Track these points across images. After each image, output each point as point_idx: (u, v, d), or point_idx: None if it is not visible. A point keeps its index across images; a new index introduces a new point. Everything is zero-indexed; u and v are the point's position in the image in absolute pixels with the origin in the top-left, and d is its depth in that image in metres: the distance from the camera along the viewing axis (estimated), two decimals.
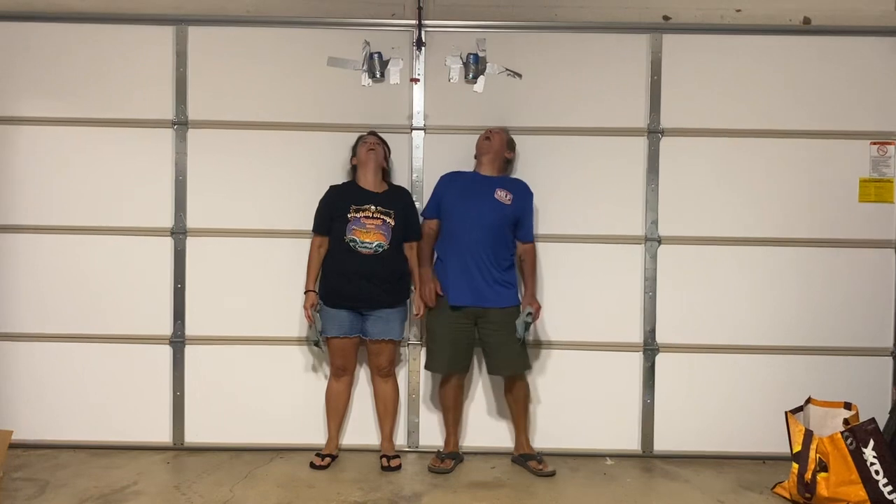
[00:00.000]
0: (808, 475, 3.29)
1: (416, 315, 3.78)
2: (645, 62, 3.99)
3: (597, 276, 3.97)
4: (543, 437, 3.95)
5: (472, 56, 3.96)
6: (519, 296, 3.77)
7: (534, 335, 3.92)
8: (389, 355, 3.77)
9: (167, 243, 3.98)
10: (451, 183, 3.80)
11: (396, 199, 3.76)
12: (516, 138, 3.92)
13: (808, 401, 3.58)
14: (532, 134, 3.98)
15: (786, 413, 3.48)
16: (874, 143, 3.99)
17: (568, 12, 4.03)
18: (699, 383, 3.98)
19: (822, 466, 3.26)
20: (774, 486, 3.50)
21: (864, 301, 3.97)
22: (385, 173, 3.85)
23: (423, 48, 3.96)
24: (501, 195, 3.73)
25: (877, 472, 3.18)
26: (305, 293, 3.74)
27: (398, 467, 3.71)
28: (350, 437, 3.94)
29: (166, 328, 3.98)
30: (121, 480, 3.50)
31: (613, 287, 3.98)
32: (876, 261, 3.98)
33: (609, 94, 3.99)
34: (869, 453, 3.20)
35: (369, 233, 3.66)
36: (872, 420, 3.27)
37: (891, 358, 3.98)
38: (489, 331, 3.68)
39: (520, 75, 4.00)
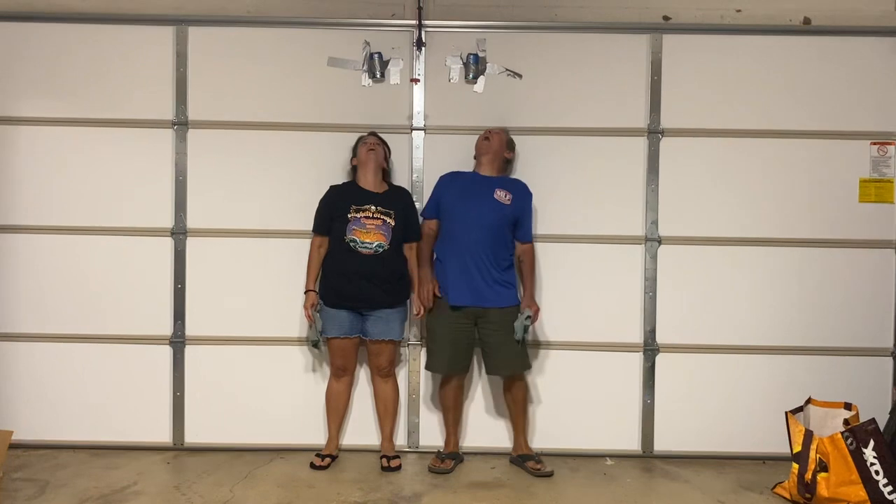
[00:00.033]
0: (809, 475, 3.29)
1: (416, 315, 3.78)
2: (645, 62, 3.99)
3: (597, 276, 3.98)
4: (544, 438, 3.95)
5: (472, 56, 3.96)
6: (518, 296, 3.77)
7: (534, 336, 3.92)
8: (389, 355, 3.77)
9: (167, 243, 3.98)
10: (450, 183, 3.80)
11: (397, 200, 3.76)
12: (516, 138, 3.92)
13: (809, 401, 3.58)
14: (532, 134, 3.98)
15: (786, 413, 3.48)
16: (874, 144, 3.99)
17: (568, 12, 4.03)
18: (699, 383, 3.98)
19: (823, 467, 3.26)
20: (775, 487, 3.50)
21: (865, 301, 3.97)
22: (385, 174, 3.85)
23: (423, 48, 3.96)
24: (501, 195, 3.73)
25: (877, 473, 3.18)
26: (305, 293, 3.74)
27: (398, 467, 3.71)
28: (350, 438, 3.94)
29: (166, 328, 3.98)
30: (121, 481, 3.50)
31: (613, 287, 3.98)
32: (876, 261, 3.98)
33: (609, 94, 3.99)
34: (869, 453, 3.20)
35: (369, 233, 3.66)
36: (872, 420, 3.27)
37: (891, 358, 3.98)
38: (489, 331, 3.68)
39: (520, 75, 4.00)
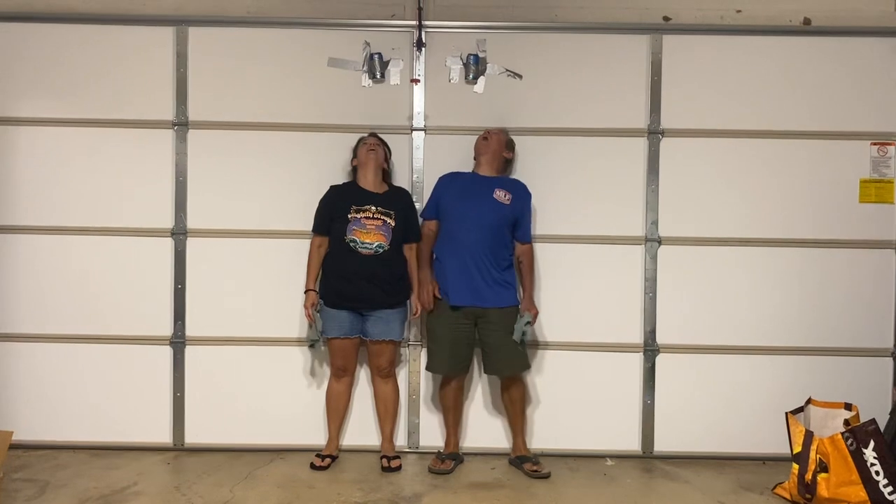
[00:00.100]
0: (809, 476, 3.29)
1: (414, 316, 3.78)
2: (645, 63, 3.99)
3: (597, 276, 3.97)
4: (544, 438, 3.95)
5: (472, 57, 3.96)
6: (518, 296, 3.77)
7: (534, 336, 3.92)
8: (390, 356, 3.77)
9: (167, 244, 3.98)
10: (450, 184, 3.80)
11: (397, 200, 3.76)
12: (516, 139, 3.93)
13: (809, 401, 3.58)
14: (532, 134, 3.98)
15: (786, 414, 3.47)
16: (874, 144, 3.99)
17: (568, 13, 4.03)
18: (699, 384, 3.98)
19: (823, 467, 3.26)
20: (775, 487, 3.50)
21: (865, 302, 3.97)
22: (385, 174, 3.85)
23: (423, 49, 3.96)
24: (500, 195, 3.73)
25: (877, 473, 3.18)
26: (305, 293, 3.74)
27: (398, 468, 3.71)
28: (350, 438, 3.93)
29: (166, 329, 3.98)
30: (121, 481, 3.50)
31: (614, 288, 3.98)
32: (876, 261, 3.98)
33: (609, 94, 3.99)
34: (869, 454, 3.20)
35: (370, 233, 3.66)
36: (873, 421, 3.27)
37: (891, 359, 3.98)
38: (488, 331, 3.68)
39: (520, 76, 4.00)
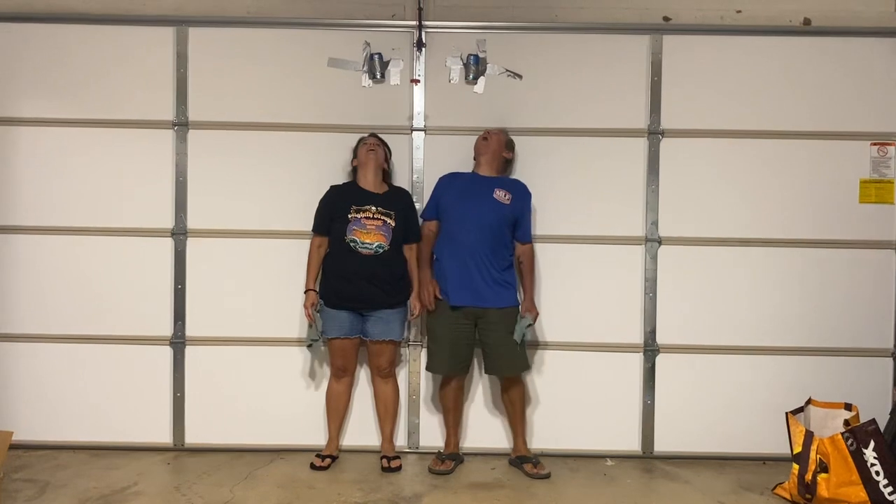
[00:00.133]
0: (809, 476, 3.29)
1: (413, 316, 3.78)
2: (645, 63, 3.99)
3: (597, 276, 3.97)
4: (544, 438, 3.95)
5: (472, 57, 3.96)
6: (518, 296, 3.77)
7: (535, 336, 3.92)
8: (390, 356, 3.77)
9: (167, 244, 3.98)
10: (449, 184, 3.80)
11: (397, 200, 3.76)
12: (517, 139, 3.93)
13: (809, 402, 3.58)
14: (532, 135, 3.99)
15: (786, 414, 3.47)
16: (874, 144, 3.99)
17: (568, 13, 4.03)
18: (700, 384, 3.98)
19: (823, 467, 3.26)
20: (775, 487, 3.50)
21: (865, 302, 3.97)
22: (385, 174, 3.85)
23: (423, 49, 3.96)
24: (500, 195, 3.73)
25: (877, 473, 3.18)
26: (305, 292, 3.74)
27: (398, 468, 3.71)
28: (350, 438, 3.93)
29: (167, 329, 3.98)
30: (121, 481, 3.50)
31: (614, 288, 3.98)
32: (876, 262, 3.98)
33: (609, 94, 3.99)
34: (869, 454, 3.20)
35: (370, 233, 3.66)
36: (873, 421, 3.27)
37: (891, 359, 3.98)
38: (488, 331, 3.68)
39: (520, 76, 4.00)
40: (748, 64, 3.99)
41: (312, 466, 3.69)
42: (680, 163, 3.98)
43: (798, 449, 3.36)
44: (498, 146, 3.82)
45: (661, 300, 3.98)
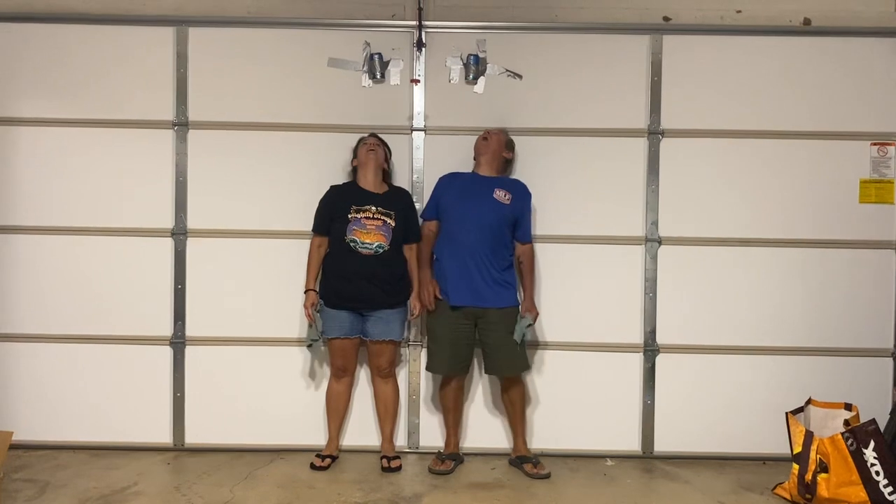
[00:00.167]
0: (809, 476, 3.29)
1: (413, 317, 3.78)
2: (645, 63, 3.99)
3: (597, 276, 3.97)
4: (544, 438, 3.95)
5: (472, 57, 3.96)
6: (518, 296, 3.77)
7: (535, 336, 3.92)
8: (390, 356, 3.77)
9: (167, 244, 3.98)
10: (449, 184, 3.80)
11: (397, 200, 3.77)
12: (517, 139, 3.93)
13: (809, 402, 3.58)
14: (532, 135, 3.98)
15: (786, 414, 3.47)
16: (874, 144, 3.99)
17: (568, 13, 4.03)
18: (700, 384, 3.98)
19: (823, 467, 3.26)
20: (775, 487, 3.50)
21: (865, 302, 3.97)
22: (386, 174, 3.85)
23: (423, 49, 3.96)
24: (500, 195, 3.73)
25: (877, 473, 3.18)
26: (305, 292, 3.74)
27: (398, 468, 3.71)
28: (350, 438, 3.93)
29: (167, 329, 3.98)
30: (121, 481, 3.50)
31: (614, 288, 3.98)
32: (876, 262, 3.98)
33: (609, 95, 3.99)
34: (869, 454, 3.20)
35: (370, 233, 3.66)
36: (873, 421, 3.27)
37: (891, 359, 3.98)
38: (488, 331, 3.68)
39: (520, 76, 4.00)
40: (748, 64, 3.99)
41: (312, 466, 3.69)
42: (680, 163, 3.98)
43: (798, 449, 3.36)
44: (498, 146, 3.82)
45: (661, 300, 3.98)
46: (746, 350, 3.97)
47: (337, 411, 3.81)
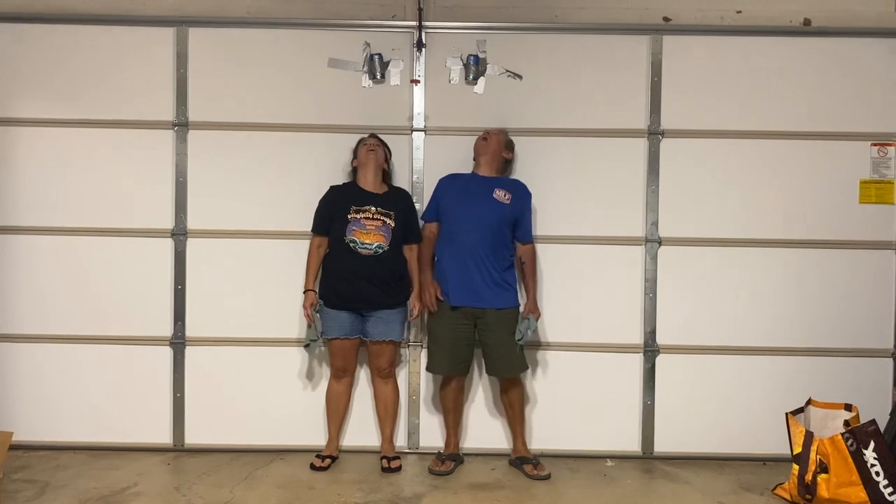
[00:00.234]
0: (809, 476, 3.29)
1: (413, 318, 3.78)
2: (645, 63, 3.99)
3: (597, 277, 3.97)
4: (544, 439, 3.95)
5: (472, 57, 3.96)
6: (518, 297, 3.77)
7: (536, 336, 3.90)
8: (390, 356, 3.77)
9: (167, 244, 3.98)
10: (449, 185, 3.80)
11: (397, 201, 3.77)
12: (516, 139, 3.93)
13: (809, 402, 3.58)
14: (532, 135, 3.99)
15: (786, 414, 3.47)
16: (874, 145, 3.99)
17: (568, 13, 4.03)
18: (699, 384, 3.98)
19: (823, 468, 3.26)
20: (775, 488, 3.50)
21: (865, 302, 3.97)
22: (385, 175, 3.85)
23: (423, 49, 3.96)
24: (500, 195, 3.73)
25: (877, 474, 3.18)
26: (304, 293, 3.74)
27: (398, 468, 3.71)
28: (350, 439, 3.93)
29: (167, 329, 3.98)
30: (121, 482, 3.50)
31: (614, 288, 3.98)
32: (876, 262, 3.98)
33: (609, 95, 3.99)
34: (869, 455, 3.20)
35: (369, 234, 3.66)
36: (873, 421, 3.27)
37: (891, 359, 3.98)
38: (487, 332, 3.68)
39: (520, 76, 4.00)
40: (748, 64, 3.99)
41: (312, 467, 3.69)
42: (680, 163, 3.98)
43: (798, 449, 3.35)
44: (497, 146, 3.82)
45: (661, 300, 3.98)
46: (746, 350, 3.97)
47: (337, 412, 3.81)
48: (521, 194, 3.80)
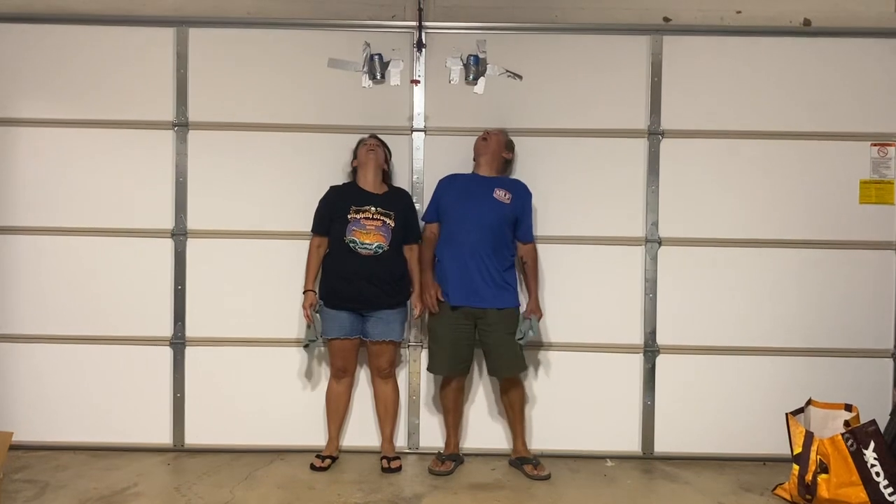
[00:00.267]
0: (809, 477, 3.29)
1: (415, 318, 3.78)
2: (645, 64, 3.99)
3: (597, 277, 3.97)
4: (544, 439, 3.95)
5: (472, 57, 3.96)
6: (518, 298, 3.77)
7: (536, 337, 3.90)
8: (390, 356, 3.77)
9: (168, 245, 3.98)
10: (449, 185, 3.80)
11: (397, 201, 3.77)
12: (517, 140, 3.93)
13: (809, 402, 3.58)
14: (532, 135, 3.99)
15: (786, 414, 3.47)
16: (874, 145, 3.99)
17: (568, 14, 4.03)
18: (700, 385, 3.98)
19: (823, 468, 3.26)
20: (775, 488, 3.50)
21: (865, 302, 3.97)
22: (385, 175, 3.85)
23: (423, 50, 3.96)
24: (500, 194, 3.73)
25: (877, 474, 3.18)
26: (304, 293, 3.74)
27: (398, 469, 3.71)
28: (350, 439, 3.93)
29: (167, 330, 3.98)
30: (121, 482, 3.50)
31: (614, 289, 3.98)
32: (876, 262, 3.98)
33: (609, 95, 3.99)
34: (869, 455, 3.20)
35: (369, 234, 3.66)
36: (873, 422, 3.27)
37: (891, 359, 3.98)
38: (487, 332, 3.68)
39: (520, 77, 4.00)
40: (748, 64, 3.99)
41: (312, 467, 3.69)
42: (680, 163, 3.98)
43: (798, 450, 3.35)
44: (497, 146, 3.82)
45: (661, 301, 3.98)
46: (746, 350, 3.97)
47: (337, 412, 3.81)
48: (522, 194, 3.80)
